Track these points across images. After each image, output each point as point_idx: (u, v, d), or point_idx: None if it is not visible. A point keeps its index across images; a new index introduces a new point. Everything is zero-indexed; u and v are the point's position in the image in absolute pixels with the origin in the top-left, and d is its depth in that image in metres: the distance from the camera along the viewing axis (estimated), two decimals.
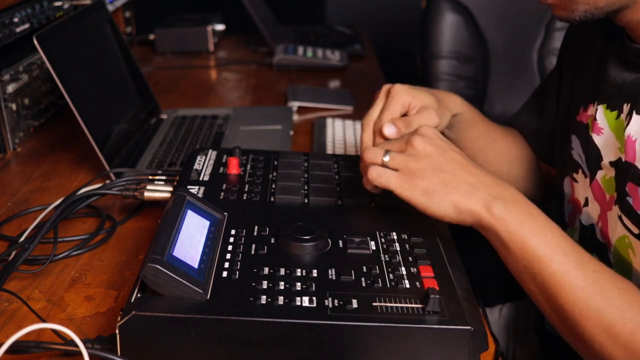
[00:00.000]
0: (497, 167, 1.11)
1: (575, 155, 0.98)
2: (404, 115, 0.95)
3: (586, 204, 0.95)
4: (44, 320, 0.82)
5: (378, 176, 0.80)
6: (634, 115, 0.84)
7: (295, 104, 1.61)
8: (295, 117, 1.57)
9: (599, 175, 0.91)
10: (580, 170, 0.97)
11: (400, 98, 0.94)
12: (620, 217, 0.87)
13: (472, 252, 1.04)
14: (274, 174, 1.01)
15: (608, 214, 0.90)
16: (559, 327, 0.77)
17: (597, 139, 0.91)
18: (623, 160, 0.86)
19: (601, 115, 0.90)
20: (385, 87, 0.98)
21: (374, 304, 0.71)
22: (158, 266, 0.69)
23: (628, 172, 0.85)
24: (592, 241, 0.95)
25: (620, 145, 0.87)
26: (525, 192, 0.82)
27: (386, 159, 0.81)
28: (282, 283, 0.73)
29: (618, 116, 0.88)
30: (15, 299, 0.87)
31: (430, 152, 0.80)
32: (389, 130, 0.90)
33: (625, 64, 0.89)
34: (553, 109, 1.09)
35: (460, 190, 0.77)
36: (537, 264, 0.74)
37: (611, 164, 0.89)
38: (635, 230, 0.85)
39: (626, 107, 0.86)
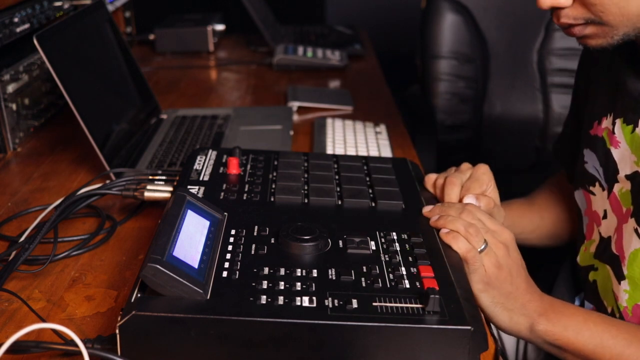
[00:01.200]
0: (549, 232, 1.19)
1: (590, 169, 0.98)
2: None
3: (605, 216, 0.96)
4: (44, 320, 0.82)
5: (473, 259, 0.83)
6: None
7: (295, 104, 1.61)
8: (295, 117, 1.57)
9: (616, 188, 0.92)
10: (597, 183, 0.97)
11: (487, 177, 0.97)
12: (636, 230, 0.87)
13: None
14: (274, 174, 1.01)
15: (624, 226, 0.90)
16: None
17: (615, 153, 0.92)
18: None
19: (619, 129, 0.91)
20: (467, 164, 1.01)
21: (374, 304, 0.71)
22: (158, 266, 0.69)
23: None
24: (606, 252, 0.96)
25: (636, 159, 0.87)
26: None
27: (482, 247, 0.84)
28: (282, 283, 0.73)
29: (633, 130, 0.88)
30: (15, 299, 0.87)
31: (508, 265, 0.85)
32: (470, 200, 0.93)
33: (639, 73, 0.88)
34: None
35: (515, 307, 0.85)
36: (593, 355, 0.83)
37: (627, 177, 0.89)
38: None
39: None
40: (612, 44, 0.84)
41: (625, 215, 0.90)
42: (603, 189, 0.96)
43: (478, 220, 0.87)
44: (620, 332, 0.83)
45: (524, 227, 1.16)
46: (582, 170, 1.00)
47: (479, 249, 0.83)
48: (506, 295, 0.84)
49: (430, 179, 1.00)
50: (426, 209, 0.91)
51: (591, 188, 0.99)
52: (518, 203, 1.18)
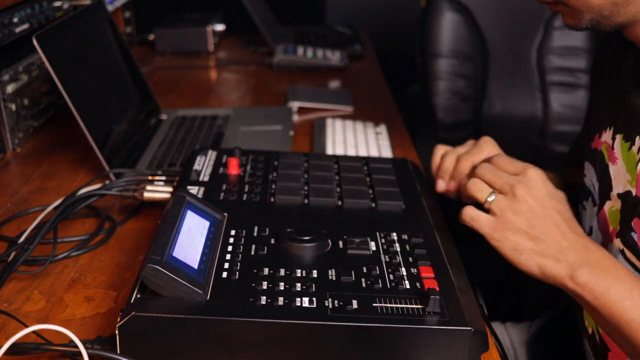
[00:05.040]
0: None
1: (587, 183, 0.96)
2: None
3: (590, 233, 0.94)
4: (26, 326, 0.82)
5: (471, 219, 0.81)
6: None
7: (295, 104, 1.61)
8: (295, 118, 1.57)
9: (607, 205, 0.89)
10: (590, 198, 0.95)
11: (489, 146, 0.96)
12: (622, 251, 0.85)
13: (472, 252, 1.04)
14: (274, 174, 1.01)
15: (609, 246, 0.88)
16: None
17: (612, 169, 0.89)
18: (633, 194, 0.84)
19: (618, 145, 0.89)
20: (472, 140, 1.01)
21: (374, 304, 0.71)
22: (158, 267, 0.69)
23: (636, 207, 0.83)
24: None
25: (630, 179, 0.85)
26: None
27: (490, 198, 0.81)
28: (282, 284, 0.73)
29: (630, 148, 0.86)
30: (14, 299, 0.87)
31: (530, 205, 0.80)
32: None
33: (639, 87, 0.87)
34: None
35: (547, 253, 0.78)
36: (626, 327, 0.74)
37: (619, 195, 0.87)
38: None
39: (639, 140, 0.85)
40: (580, 25, 0.84)
41: (612, 234, 0.88)
42: (594, 205, 0.93)
43: (490, 170, 0.83)
44: None
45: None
46: (582, 184, 0.98)
47: (485, 200, 0.80)
48: (534, 240, 0.78)
49: (435, 162, 1.00)
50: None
51: (584, 202, 0.97)
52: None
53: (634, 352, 0.75)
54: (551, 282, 0.78)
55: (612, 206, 0.89)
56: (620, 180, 0.87)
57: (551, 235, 0.78)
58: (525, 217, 0.79)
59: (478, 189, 0.83)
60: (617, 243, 0.86)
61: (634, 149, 0.85)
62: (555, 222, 0.79)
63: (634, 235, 0.83)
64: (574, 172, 1.15)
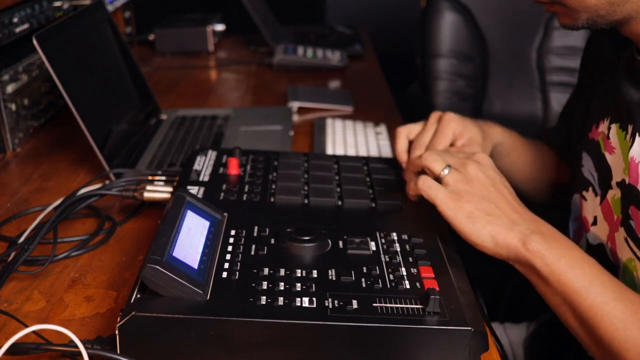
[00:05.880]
0: (526, 175, 1.16)
1: (585, 173, 0.97)
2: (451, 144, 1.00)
3: (594, 223, 0.94)
4: (26, 326, 0.82)
5: (428, 188, 0.82)
6: (637, 137, 0.84)
7: (295, 104, 1.61)
8: (295, 118, 1.57)
9: (610, 194, 0.90)
10: (590, 189, 0.96)
11: (452, 126, 0.99)
12: (626, 240, 0.86)
13: (472, 252, 1.04)
14: (274, 174, 1.01)
15: (615, 234, 0.89)
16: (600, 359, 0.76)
17: (609, 158, 0.90)
18: (627, 182, 0.85)
19: (614, 135, 0.90)
20: (436, 114, 1.02)
21: (374, 304, 0.71)
22: (158, 267, 0.69)
23: (631, 194, 0.84)
24: (601, 262, 0.94)
25: (624, 167, 0.86)
26: (546, 196, 0.93)
27: (445, 172, 0.83)
28: (282, 284, 0.73)
29: (625, 137, 0.87)
30: (14, 299, 0.87)
31: (482, 180, 0.83)
32: None
33: (634, 80, 0.88)
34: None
35: (500, 222, 0.79)
36: (575, 296, 0.74)
37: (617, 184, 0.88)
38: None
39: (630, 128, 0.86)
40: (577, 25, 0.85)
41: (617, 223, 0.89)
42: (596, 195, 0.94)
43: (442, 151, 0.87)
44: (614, 284, 0.75)
45: (512, 146, 1.14)
46: (580, 174, 0.99)
47: (440, 172, 0.83)
48: (486, 211, 0.79)
49: (401, 154, 1.02)
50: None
51: (584, 193, 0.97)
52: (519, 137, 1.18)
53: (580, 322, 0.75)
54: (502, 252, 0.78)
55: (614, 195, 0.89)
56: (619, 168, 0.88)
57: (503, 207, 0.81)
58: (478, 189, 0.82)
59: (433, 159, 0.85)
60: (622, 232, 0.87)
61: (627, 137, 0.86)
62: (505, 196, 0.82)
63: (632, 223, 0.83)
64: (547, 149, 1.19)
